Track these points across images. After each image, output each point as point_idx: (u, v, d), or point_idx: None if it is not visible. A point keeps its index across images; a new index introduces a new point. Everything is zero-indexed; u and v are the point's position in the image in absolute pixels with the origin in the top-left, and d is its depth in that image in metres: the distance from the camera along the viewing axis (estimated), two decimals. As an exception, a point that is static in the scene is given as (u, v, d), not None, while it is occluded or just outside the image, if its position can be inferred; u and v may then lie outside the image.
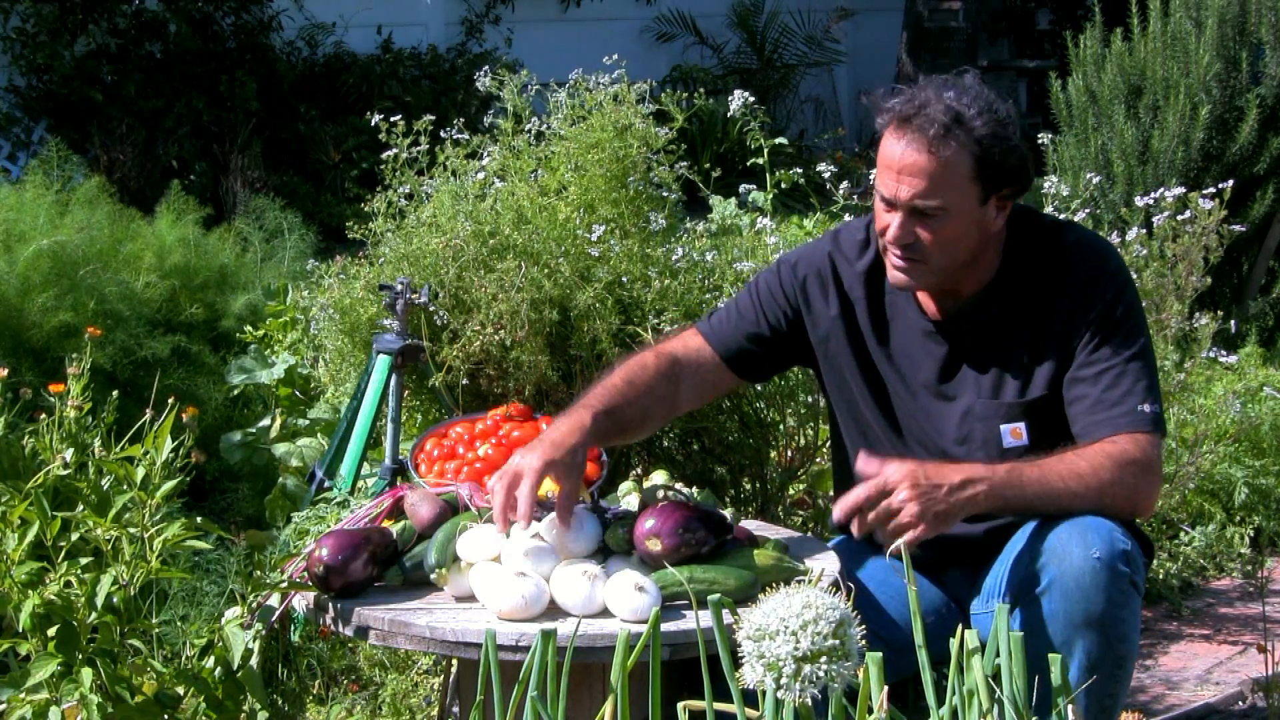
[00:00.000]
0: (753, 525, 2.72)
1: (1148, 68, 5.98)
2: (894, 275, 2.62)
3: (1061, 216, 3.66)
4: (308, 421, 4.48)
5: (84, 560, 2.57)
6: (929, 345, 2.68)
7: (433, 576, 2.47)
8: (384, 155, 3.96)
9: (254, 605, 2.64)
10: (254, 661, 2.59)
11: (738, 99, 4.35)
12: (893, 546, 2.28)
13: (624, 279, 3.56)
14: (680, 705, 1.80)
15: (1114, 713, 2.49)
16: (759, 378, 3.04)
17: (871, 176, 4.76)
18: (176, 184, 5.97)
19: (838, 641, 1.65)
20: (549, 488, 2.79)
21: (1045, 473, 2.47)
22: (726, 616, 1.80)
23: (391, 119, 3.93)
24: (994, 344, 2.64)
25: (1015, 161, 2.56)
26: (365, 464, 3.66)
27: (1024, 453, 2.58)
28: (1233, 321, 5.37)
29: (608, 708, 1.84)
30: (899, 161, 2.53)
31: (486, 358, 3.52)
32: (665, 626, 2.26)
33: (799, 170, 4.58)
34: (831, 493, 4.16)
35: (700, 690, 1.79)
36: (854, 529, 2.39)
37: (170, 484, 2.57)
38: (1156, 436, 2.54)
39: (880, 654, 1.71)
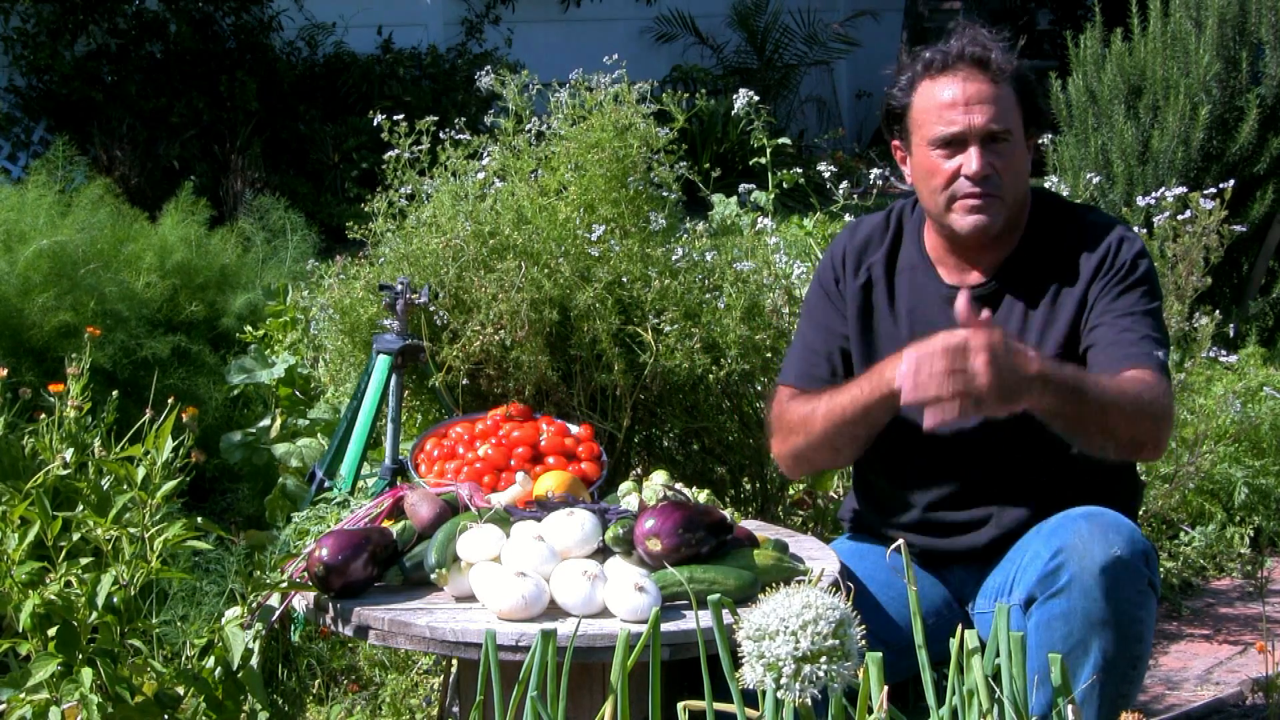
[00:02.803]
0: (753, 525, 2.71)
1: (1148, 68, 5.97)
2: (969, 219, 2.61)
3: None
4: (308, 421, 4.48)
5: (84, 560, 2.57)
6: (948, 313, 2.67)
7: (433, 576, 2.47)
8: (386, 155, 3.97)
9: (254, 605, 2.64)
10: (254, 661, 2.59)
11: (742, 98, 4.35)
12: (893, 545, 2.28)
13: (624, 279, 3.56)
14: (680, 705, 1.80)
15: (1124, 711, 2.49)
16: None
17: (873, 176, 4.77)
18: (187, 185, 5.98)
19: (837, 642, 1.65)
20: (548, 486, 2.79)
21: (1100, 382, 2.46)
22: (726, 616, 1.80)
23: (394, 119, 3.94)
24: (1012, 314, 2.67)
25: (1039, 97, 2.66)
26: (365, 464, 3.66)
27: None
28: (1232, 322, 5.36)
29: (608, 708, 1.84)
30: (963, 95, 2.59)
31: (486, 358, 3.52)
32: (665, 626, 2.26)
33: (799, 170, 4.58)
34: (832, 492, 4.17)
35: (700, 690, 1.79)
36: (907, 392, 2.29)
37: (170, 484, 2.57)
38: (1168, 381, 2.56)
39: (880, 654, 1.71)
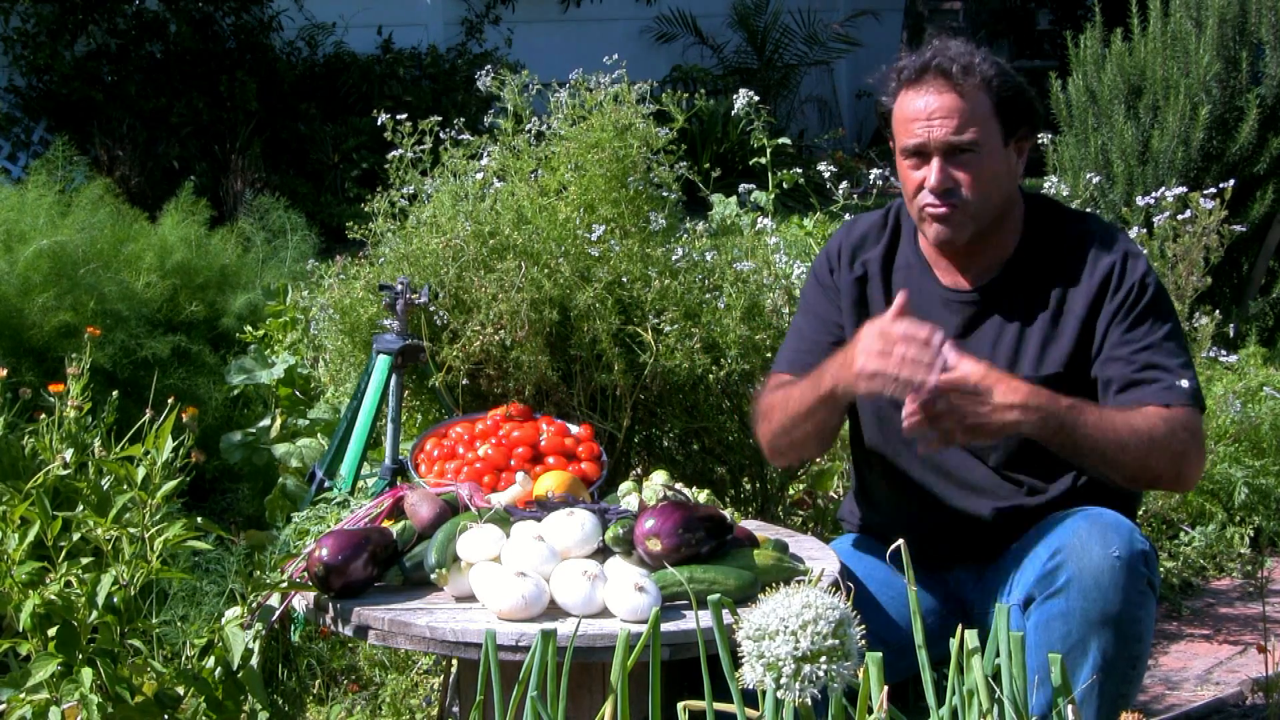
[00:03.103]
0: (753, 525, 2.71)
1: (1148, 68, 5.97)
2: (934, 229, 2.63)
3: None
4: (308, 421, 4.48)
5: (84, 560, 2.57)
6: (945, 315, 2.67)
7: (433, 576, 2.47)
8: (389, 155, 3.97)
9: (254, 605, 2.64)
10: (254, 661, 2.59)
11: (742, 98, 4.35)
12: (893, 546, 2.28)
13: (624, 279, 3.56)
14: (680, 705, 1.80)
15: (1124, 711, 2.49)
16: None
17: (873, 176, 4.77)
18: (187, 185, 5.98)
19: (837, 641, 1.65)
20: (548, 486, 2.79)
21: (1102, 417, 2.49)
22: (726, 616, 1.80)
23: (397, 118, 3.94)
24: (1011, 319, 2.66)
25: (1025, 100, 2.64)
26: (365, 464, 3.66)
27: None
28: (1232, 322, 5.36)
29: (608, 708, 1.84)
30: (926, 109, 2.59)
31: (486, 358, 3.52)
32: (665, 626, 2.26)
33: (799, 170, 4.58)
34: (832, 492, 4.17)
35: (700, 690, 1.79)
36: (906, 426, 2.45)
37: (170, 484, 2.57)
38: (1197, 411, 2.56)
39: (880, 654, 1.71)
